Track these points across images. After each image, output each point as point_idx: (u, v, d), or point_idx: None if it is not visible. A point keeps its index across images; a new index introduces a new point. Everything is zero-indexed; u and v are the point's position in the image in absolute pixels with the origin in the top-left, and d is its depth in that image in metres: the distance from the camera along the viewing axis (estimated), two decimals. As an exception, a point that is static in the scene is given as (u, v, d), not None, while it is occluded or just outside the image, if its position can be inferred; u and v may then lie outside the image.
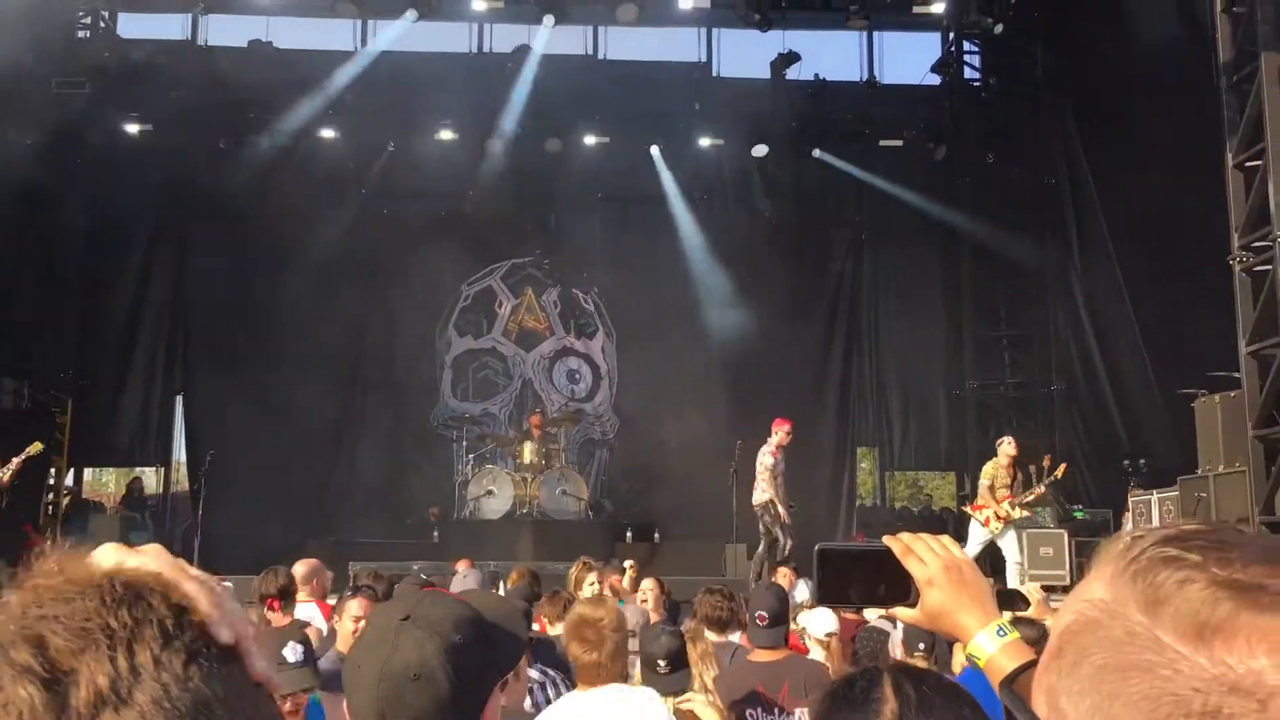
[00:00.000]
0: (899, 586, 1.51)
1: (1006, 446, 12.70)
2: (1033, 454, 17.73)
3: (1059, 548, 13.91)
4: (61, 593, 0.76)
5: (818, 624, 5.65)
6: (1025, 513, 12.44)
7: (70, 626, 0.74)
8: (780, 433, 12.74)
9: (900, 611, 1.54)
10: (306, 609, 6.33)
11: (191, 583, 0.80)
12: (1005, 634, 1.50)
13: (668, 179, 19.44)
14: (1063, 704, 0.73)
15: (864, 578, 1.54)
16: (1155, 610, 0.69)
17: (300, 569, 6.52)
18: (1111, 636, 0.70)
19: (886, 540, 1.54)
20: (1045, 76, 19.22)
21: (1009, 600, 5.63)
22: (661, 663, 4.23)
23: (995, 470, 12.55)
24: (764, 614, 4.97)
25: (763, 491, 12.67)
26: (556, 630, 6.01)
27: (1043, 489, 12.68)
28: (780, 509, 12.58)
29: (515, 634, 1.82)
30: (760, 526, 12.81)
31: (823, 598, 1.61)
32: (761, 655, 4.98)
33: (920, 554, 1.52)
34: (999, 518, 12.36)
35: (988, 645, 1.50)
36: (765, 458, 12.68)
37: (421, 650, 1.64)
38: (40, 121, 17.27)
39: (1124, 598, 0.71)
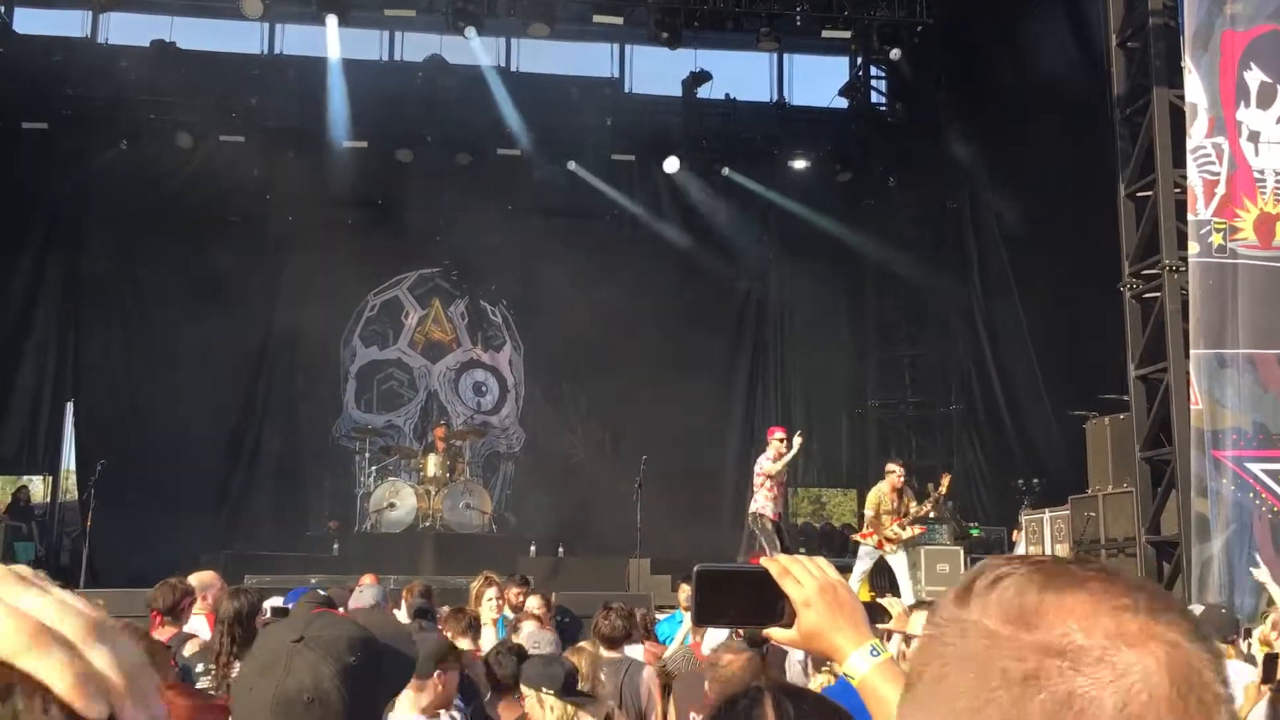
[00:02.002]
0: (775, 607, 1.53)
1: (892, 474, 12.78)
2: (930, 473, 18.12)
3: (954, 564, 14.19)
4: None
5: (710, 638, 5.69)
6: (915, 530, 12.62)
7: None
8: (775, 440, 12.91)
9: (775, 632, 1.57)
10: (196, 621, 6.19)
11: (52, 653, 0.63)
12: (878, 654, 1.55)
13: (577, 194, 19.43)
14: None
15: (741, 598, 1.55)
16: (984, 606, 0.80)
17: (196, 580, 6.37)
18: (949, 640, 0.80)
19: (764, 562, 1.57)
20: (947, 104, 19.67)
21: (871, 612, 5.69)
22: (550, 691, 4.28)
23: (879, 496, 12.67)
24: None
25: (762, 502, 12.76)
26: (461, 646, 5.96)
27: (928, 506, 12.87)
28: (766, 522, 12.70)
29: (406, 654, 1.81)
30: (751, 535, 12.89)
31: (699, 618, 1.62)
32: None
33: (797, 575, 1.55)
34: (890, 540, 12.53)
35: (861, 665, 1.54)
36: (766, 464, 12.83)
37: (316, 673, 1.62)
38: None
39: (958, 609, 0.82)
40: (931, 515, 16.26)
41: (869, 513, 12.76)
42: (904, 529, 12.41)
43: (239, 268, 18.00)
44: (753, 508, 13.02)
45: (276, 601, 6.52)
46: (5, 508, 18.19)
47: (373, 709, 1.65)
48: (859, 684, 1.54)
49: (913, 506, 12.53)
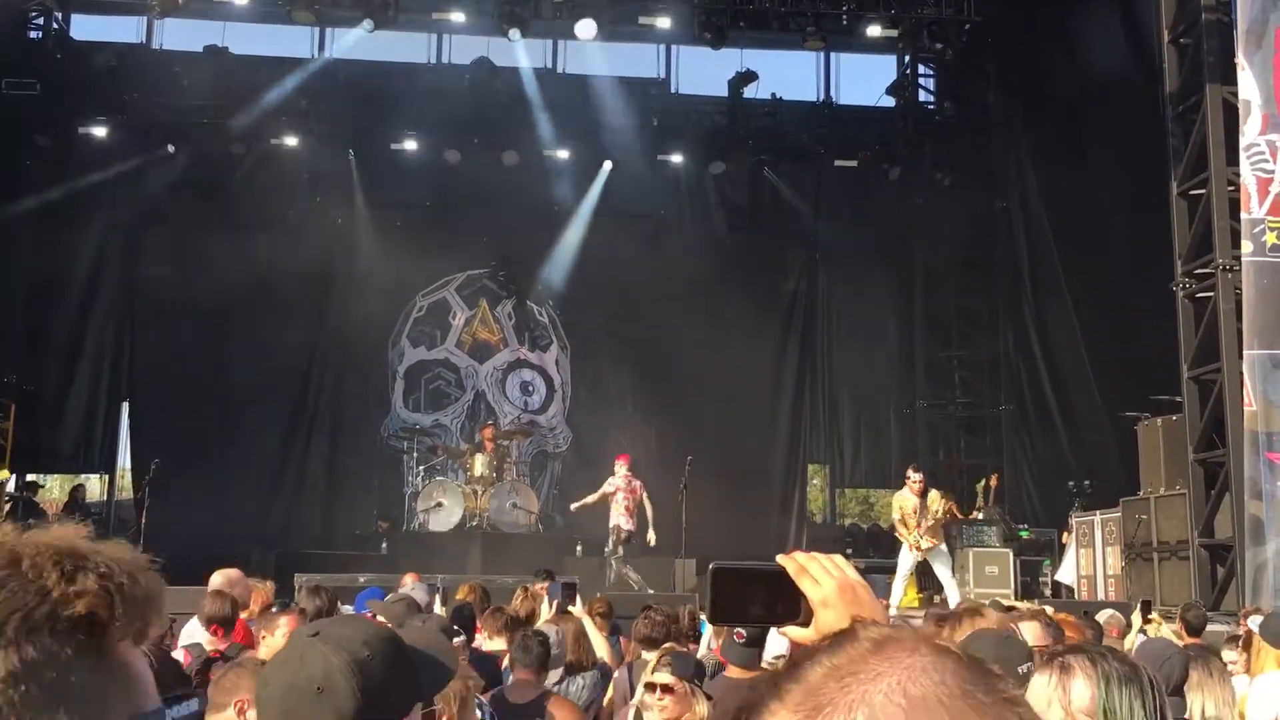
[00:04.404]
0: (793, 606, 1.51)
1: (910, 481, 12.75)
2: (980, 473, 17.99)
3: (1004, 566, 14.07)
4: None
5: (770, 647, 5.65)
6: (933, 540, 12.53)
7: None
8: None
9: (793, 631, 1.54)
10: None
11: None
12: None
13: (624, 194, 19.47)
14: None
15: (758, 597, 1.53)
16: None
17: (222, 579, 6.44)
18: None
19: (780, 560, 1.54)
20: (997, 102, 19.49)
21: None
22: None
23: (901, 501, 12.66)
24: (741, 631, 4.97)
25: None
26: (496, 645, 6.01)
27: (944, 516, 12.80)
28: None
29: (441, 663, 1.82)
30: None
31: (715, 616, 1.59)
32: (735, 673, 4.99)
33: (815, 574, 1.52)
34: (915, 547, 12.49)
35: None
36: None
37: (326, 664, 1.66)
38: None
39: None
40: (980, 516, 16.21)
41: (895, 517, 12.74)
42: (921, 538, 12.37)
43: (290, 270, 18.21)
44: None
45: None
46: (63, 506, 18.59)
47: (388, 708, 1.66)
48: None
49: (934, 512, 12.51)
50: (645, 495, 14.07)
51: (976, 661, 0.81)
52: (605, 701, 5.91)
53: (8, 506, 17.57)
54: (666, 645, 5.63)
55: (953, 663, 0.79)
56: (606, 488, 14.18)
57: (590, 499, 14.46)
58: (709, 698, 4.36)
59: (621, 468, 14.28)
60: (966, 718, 0.75)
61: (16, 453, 17.60)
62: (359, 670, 1.64)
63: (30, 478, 18.66)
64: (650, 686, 4.34)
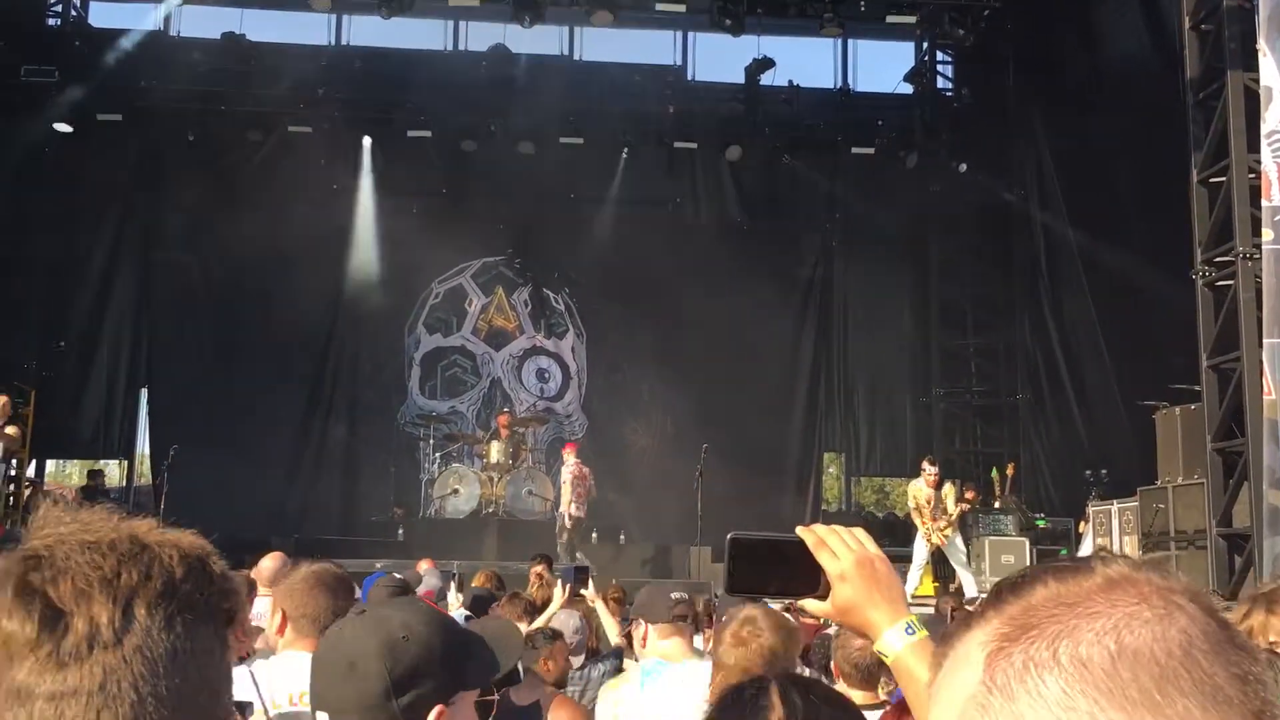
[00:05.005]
0: (810, 579, 1.49)
1: (925, 473, 12.90)
2: (996, 462, 17.94)
3: (1019, 555, 14.04)
4: (81, 542, 0.88)
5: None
6: (947, 532, 12.65)
7: (79, 573, 0.85)
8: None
9: (810, 604, 1.52)
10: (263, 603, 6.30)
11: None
12: (914, 632, 1.50)
13: (640, 182, 19.46)
14: None
15: (775, 569, 1.51)
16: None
17: (272, 563, 6.48)
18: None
19: (799, 532, 1.52)
20: (1016, 89, 19.37)
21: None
22: None
23: (916, 491, 12.82)
24: None
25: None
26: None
27: (957, 511, 12.92)
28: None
29: (492, 655, 1.79)
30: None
31: (732, 587, 1.56)
32: None
33: (833, 547, 1.50)
34: (928, 538, 12.60)
35: (895, 642, 1.49)
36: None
37: (361, 644, 1.66)
38: (8, 109, 17.14)
39: None
40: (996, 505, 16.18)
41: (910, 505, 12.86)
42: (934, 532, 12.46)
43: (306, 257, 18.28)
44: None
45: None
46: (79, 490, 18.72)
47: (416, 691, 1.64)
48: (892, 662, 1.50)
49: (949, 506, 12.62)
50: (593, 481, 14.87)
51: (1220, 626, 0.72)
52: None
53: (27, 490, 17.70)
54: None
55: (1185, 620, 0.71)
56: (565, 477, 14.68)
57: (565, 495, 14.70)
58: None
59: (570, 456, 14.89)
60: (1180, 681, 0.68)
61: (36, 439, 17.73)
62: (390, 653, 1.63)
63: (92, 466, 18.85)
64: None
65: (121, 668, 0.83)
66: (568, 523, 14.36)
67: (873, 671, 3.53)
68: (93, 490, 18.09)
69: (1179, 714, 0.68)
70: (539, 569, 9.12)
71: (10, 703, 0.83)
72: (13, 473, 16.90)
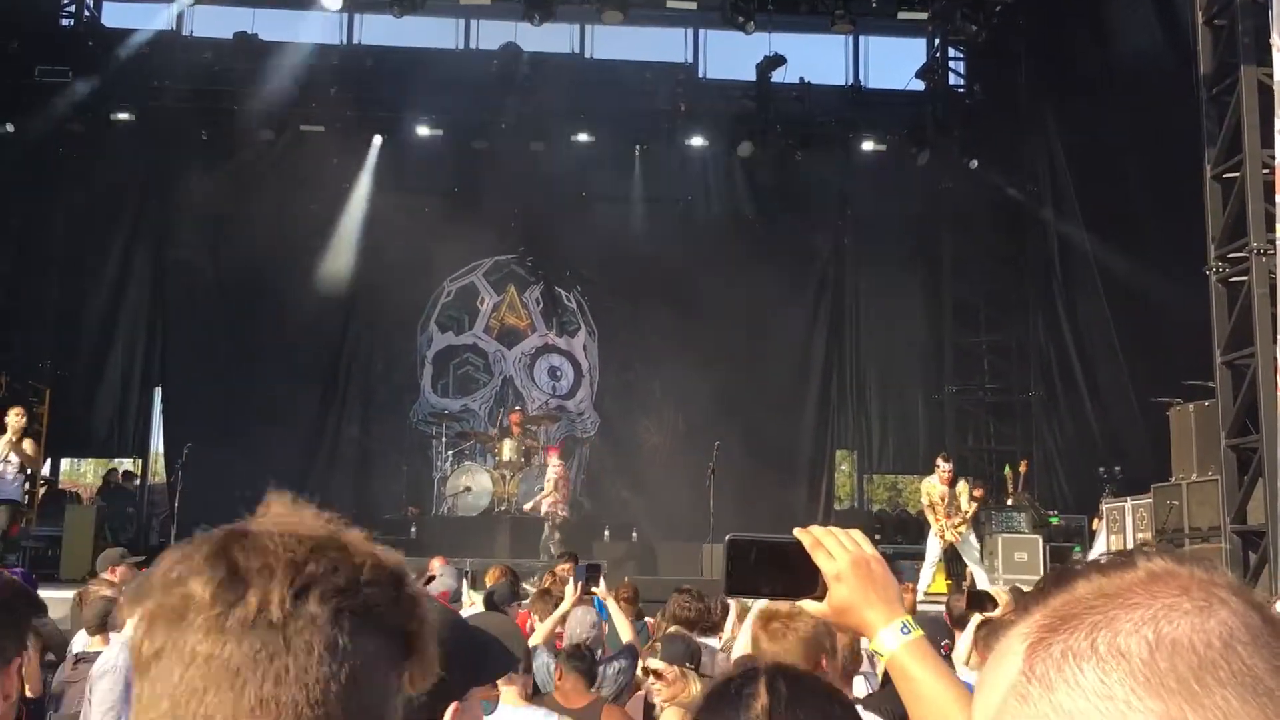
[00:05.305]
0: (808, 580, 1.51)
1: (940, 470, 12.92)
2: (1010, 459, 17.90)
3: (1033, 552, 14.00)
4: (288, 530, 0.94)
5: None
6: (954, 536, 12.68)
7: (272, 553, 0.90)
8: None
9: (807, 605, 1.54)
10: None
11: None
12: (909, 631, 1.52)
13: (651, 179, 19.47)
14: None
15: (773, 570, 1.53)
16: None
17: None
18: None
19: (796, 533, 1.54)
20: (1028, 85, 19.32)
21: (978, 601, 5.58)
22: None
23: (929, 488, 12.83)
24: None
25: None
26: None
27: (971, 510, 12.95)
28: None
29: (505, 649, 1.80)
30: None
31: (730, 588, 1.59)
32: None
33: (830, 548, 1.52)
34: (941, 535, 12.61)
35: (891, 642, 1.51)
36: None
37: None
38: (22, 108, 17.22)
39: None
40: (1009, 503, 16.16)
41: (924, 502, 12.87)
42: (948, 530, 12.47)
43: (318, 255, 18.34)
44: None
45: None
46: (97, 490, 18.82)
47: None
48: (888, 661, 1.52)
49: (963, 503, 12.61)
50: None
51: (1265, 620, 0.72)
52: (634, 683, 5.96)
53: (43, 489, 17.79)
54: (674, 629, 5.67)
55: (1225, 612, 0.71)
56: (550, 477, 14.89)
57: (548, 495, 14.86)
58: (704, 677, 4.43)
59: (554, 458, 15.27)
60: (1218, 672, 0.68)
61: (51, 438, 17.82)
62: None
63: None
64: (645, 671, 4.43)
65: (278, 646, 0.85)
66: (556, 521, 14.53)
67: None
68: (108, 490, 18.19)
69: (1216, 704, 0.67)
70: (566, 567, 9.01)
71: (173, 659, 0.85)
72: (27, 485, 17.05)
